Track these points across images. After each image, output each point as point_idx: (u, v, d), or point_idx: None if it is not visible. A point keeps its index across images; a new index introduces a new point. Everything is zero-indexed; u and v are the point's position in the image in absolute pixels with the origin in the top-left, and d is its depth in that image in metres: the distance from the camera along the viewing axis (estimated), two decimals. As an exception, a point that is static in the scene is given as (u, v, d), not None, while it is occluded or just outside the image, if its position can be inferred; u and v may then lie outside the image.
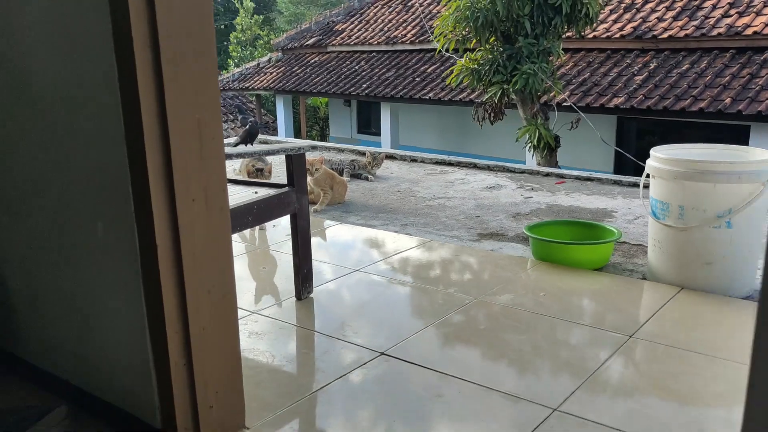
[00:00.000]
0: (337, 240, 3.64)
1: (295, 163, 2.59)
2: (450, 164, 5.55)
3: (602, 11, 10.24)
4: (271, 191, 2.58)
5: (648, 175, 2.85)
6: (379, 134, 14.30)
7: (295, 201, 2.59)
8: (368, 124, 15.87)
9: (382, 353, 2.21)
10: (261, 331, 2.43)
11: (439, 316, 2.52)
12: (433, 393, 1.99)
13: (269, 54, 17.29)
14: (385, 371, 2.11)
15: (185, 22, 1.49)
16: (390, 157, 5.87)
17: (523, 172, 5.15)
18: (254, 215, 2.41)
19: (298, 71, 14.60)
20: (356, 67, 13.58)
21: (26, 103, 1.77)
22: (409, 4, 14.75)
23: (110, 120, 1.53)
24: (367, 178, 5.09)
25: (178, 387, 1.63)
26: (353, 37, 14.51)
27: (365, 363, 2.15)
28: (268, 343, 2.34)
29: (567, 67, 10.22)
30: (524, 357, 2.21)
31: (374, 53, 13.75)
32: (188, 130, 1.53)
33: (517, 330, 2.40)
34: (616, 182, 4.73)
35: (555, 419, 1.82)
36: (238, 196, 2.47)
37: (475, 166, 5.42)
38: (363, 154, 5.58)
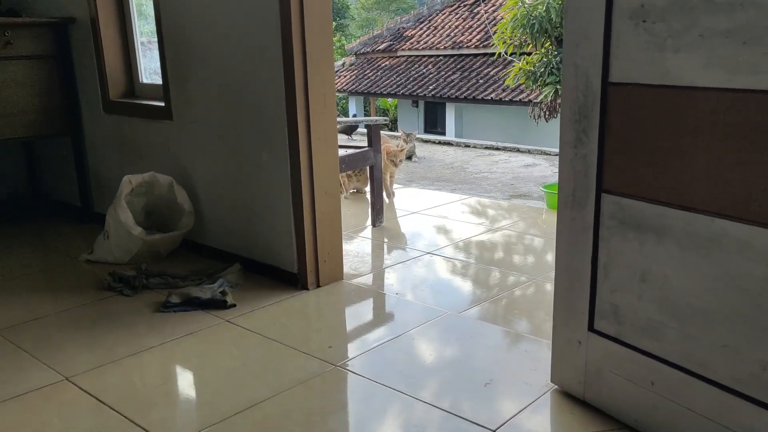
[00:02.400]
0: (401, 196, 4.82)
1: (373, 131, 3.79)
2: (497, 149, 6.64)
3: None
4: (356, 150, 3.79)
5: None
6: (444, 133, 15.40)
7: (372, 157, 3.78)
8: (434, 124, 16.98)
9: (429, 252, 3.37)
10: (347, 240, 3.63)
11: (469, 236, 3.66)
12: (459, 271, 3.14)
13: (343, 58, 18.72)
14: (430, 261, 3.27)
15: (317, 31, 2.70)
16: (447, 143, 7.00)
17: (557, 154, 6.16)
18: (346, 163, 3.62)
19: (370, 74, 15.89)
20: (424, 70, 14.73)
21: (221, 79, 3.03)
22: (475, 10, 15.79)
23: (276, 89, 2.75)
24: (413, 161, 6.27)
25: (308, 247, 2.84)
26: (422, 42, 15.67)
27: (417, 257, 3.32)
28: (353, 246, 3.54)
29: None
30: (519, 254, 3.31)
31: (441, 57, 14.87)
32: (318, 97, 2.74)
33: (519, 243, 3.51)
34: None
35: (535, 282, 2.92)
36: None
37: (517, 151, 6.49)
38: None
